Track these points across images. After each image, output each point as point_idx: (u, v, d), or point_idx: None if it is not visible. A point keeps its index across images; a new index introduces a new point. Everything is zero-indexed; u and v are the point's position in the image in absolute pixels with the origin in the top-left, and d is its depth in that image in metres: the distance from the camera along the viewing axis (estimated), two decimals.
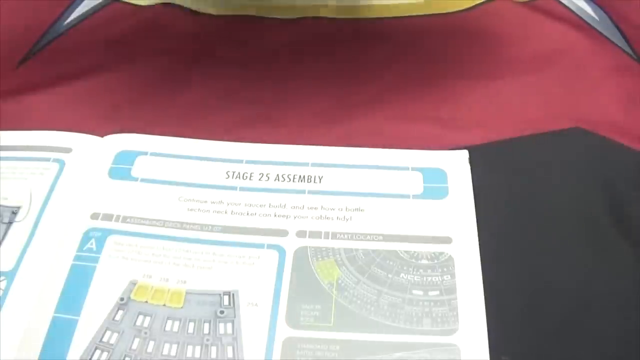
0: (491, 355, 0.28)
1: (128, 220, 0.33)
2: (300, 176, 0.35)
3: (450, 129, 0.38)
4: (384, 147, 0.36)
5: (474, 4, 0.44)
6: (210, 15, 0.44)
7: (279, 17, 0.44)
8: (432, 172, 0.35)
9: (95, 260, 0.31)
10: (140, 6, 0.45)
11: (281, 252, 0.32)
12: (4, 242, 0.32)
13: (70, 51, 0.43)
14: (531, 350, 0.29)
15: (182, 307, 0.30)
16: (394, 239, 0.32)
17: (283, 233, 0.32)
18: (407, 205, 0.33)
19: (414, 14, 0.43)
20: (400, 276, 0.31)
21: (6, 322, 0.29)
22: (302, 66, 0.41)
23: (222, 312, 0.30)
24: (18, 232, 0.32)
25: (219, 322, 0.29)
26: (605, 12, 0.44)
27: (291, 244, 0.32)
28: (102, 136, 0.37)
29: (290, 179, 0.35)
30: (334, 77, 0.41)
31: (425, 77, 0.40)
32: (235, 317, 0.29)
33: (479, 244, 0.32)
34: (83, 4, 0.45)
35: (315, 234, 0.32)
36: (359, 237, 0.32)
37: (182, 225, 0.33)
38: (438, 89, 0.40)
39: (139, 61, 0.42)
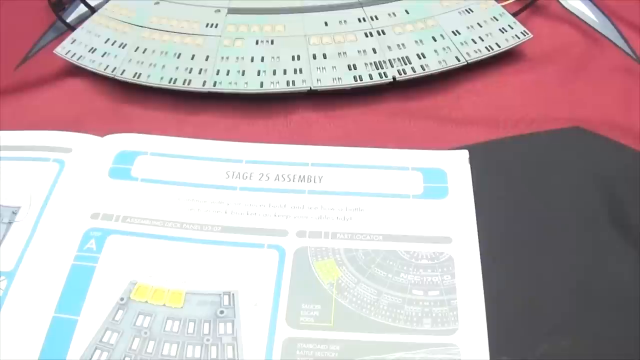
0: (491, 355, 0.28)
1: (128, 220, 0.33)
2: (300, 176, 0.35)
3: (451, 127, 0.38)
4: (384, 145, 0.36)
5: None
6: None
7: None
8: (432, 172, 0.35)
9: (95, 260, 0.31)
10: None
11: (281, 252, 0.32)
12: (4, 242, 0.32)
13: None
14: (531, 350, 0.29)
15: (182, 307, 0.30)
16: (394, 239, 0.32)
17: (283, 233, 0.32)
18: (407, 205, 0.33)
19: None
20: (400, 276, 0.31)
21: (6, 322, 0.29)
22: None
23: (222, 312, 0.30)
24: (18, 232, 0.32)
25: (219, 322, 0.29)
26: (604, 13, 0.44)
27: (291, 244, 0.32)
28: (102, 136, 0.37)
29: (290, 179, 0.35)
30: None
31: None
32: (235, 317, 0.29)
33: (479, 244, 0.32)
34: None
35: (315, 234, 0.32)
36: (359, 237, 0.32)
37: (182, 225, 0.33)
38: (438, 87, 0.41)
39: None
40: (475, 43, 0.41)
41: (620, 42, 0.43)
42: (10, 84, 0.42)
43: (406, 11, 0.43)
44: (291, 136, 0.38)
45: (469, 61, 0.40)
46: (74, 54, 0.42)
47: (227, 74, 0.40)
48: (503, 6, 0.43)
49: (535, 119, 0.38)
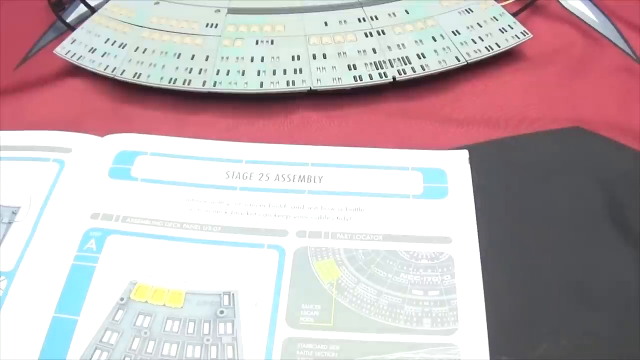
0: (491, 355, 0.28)
1: (128, 220, 0.33)
2: (300, 176, 0.35)
3: (451, 127, 0.38)
4: (384, 145, 0.36)
5: None
6: None
7: None
8: (432, 172, 0.35)
9: (95, 260, 0.31)
10: None
11: (281, 252, 0.32)
12: (4, 242, 0.32)
13: None
14: (531, 350, 0.29)
15: (182, 307, 0.30)
16: (394, 239, 0.32)
17: (283, 233, 0.32)
18: (407, 205, 0.33)
19: None
20: (400, 276, 0.31)
21: (6, 322, 0.29)
22: None
23: (222, 312, 0.30)
24: (18, 232, 0.32)
25: (219, 322, 0.29)
26: (604, 13, 0.44)
27: (291, 244, 0.32)
28: (102, 136, 0.37)
29: (290, 179, 0.35)
30: None
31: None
32: (235, 317, 0.29)
33: (479, 244, 0.32)
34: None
35: (315, 234, 0.32)
36: (358, 237, 0.32)
37: (182, 225, 0.33)
38: (438, 87, 0.40)
39: None
40: (475, 43, 0.41)
41: (620, 42, 0.43)
42: (10, 84, 0.42)
43: (406, 11, 0.43)
44: (291, 136, 0.38)
45: (469, 61, 0.40)
46: (74, 54, 0.42)
47: (227, 74, 0.40)
48: (503, 6, 0.43)
49: (535, 119, 0.38)
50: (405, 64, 0.40)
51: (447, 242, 0.32)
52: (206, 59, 0.40)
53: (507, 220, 0.33)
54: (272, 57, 0.40)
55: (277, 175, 0.35)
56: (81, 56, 0.41)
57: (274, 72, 0.40)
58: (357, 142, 0.37)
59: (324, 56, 0.40)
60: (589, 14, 0.44)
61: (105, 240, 0.32)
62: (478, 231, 0.32)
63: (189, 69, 0.40)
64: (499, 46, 0.41)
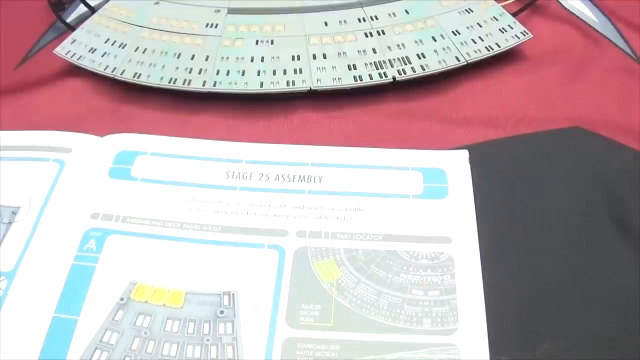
0: (491, 355, 0.28)
1: (128, 220, 0.33)
2: (300, 176, 0.35)
3: (451, 127, 0.38)
4: (384, 145, 0.36)
5: None
6: None
7: None
8: (432, 172, 0.35)
9: (95, 260, 0.31)
10: None
11: (281, 252, 0.32)
12: (4, 242, 0.32)
13: None
14: (531, 350, 0.29)
15: (182, 307, 0.30)
16: (394, 239, 0.32)
17: (283, 233, 0.32)
18: (407, 205, 0.33)
19: None
20: (400, 276, 0.31)
21: (6, 322, 0.29)
22: None
23: (222, 312, 0.30)
24: (18, 232, 0.32)
25: (219, 322, 0.29)
26: (604, 13, 0.44)
27: (291, 244, 0.32)
28: (102, 136, 0.37)
29: (290, 179, 0.35)
30: None
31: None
32: (235, 317, 0.29)
33: (479, 244, 0.32)
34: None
35: (315, 234, 0.32)
36: (358, 237, 0.32)
37: (182, 225, 0.33)
38: (438, 87, 0.40)
39: None
40: (475, 43, 0.41)
41: (620, 42, 0.43)
42: (10, 84, 0.42)
43: (406, 11, 0.43)
44: (291, 136, 0.38)
45: (469, 61, 0.40)
46: (74, 54, 0.42)
47: (227, 74, 0.40)
48: (503, 6, 0.43)
49: (535, 119, 0.38)
50: (405, 64, 0.40)
51: (447, 242, 0.32)
52: (206, 59, 0.40)
53: (507, 220, 0.33)
54: (272, 57, 0.40)
55: (277, 175, 0.35)
56: (81, 56, 0.41)
57: (274, 72, 0.40)
58: (357, 142, 0.37)
59: (324, 56, 0.40)
60: (589, 14, 0.44)
61: (105, 240, 0.32)
62: (478, 231, 0.32)
63: (189, 69, 0.40)
64: (499, 46, 0.41)
